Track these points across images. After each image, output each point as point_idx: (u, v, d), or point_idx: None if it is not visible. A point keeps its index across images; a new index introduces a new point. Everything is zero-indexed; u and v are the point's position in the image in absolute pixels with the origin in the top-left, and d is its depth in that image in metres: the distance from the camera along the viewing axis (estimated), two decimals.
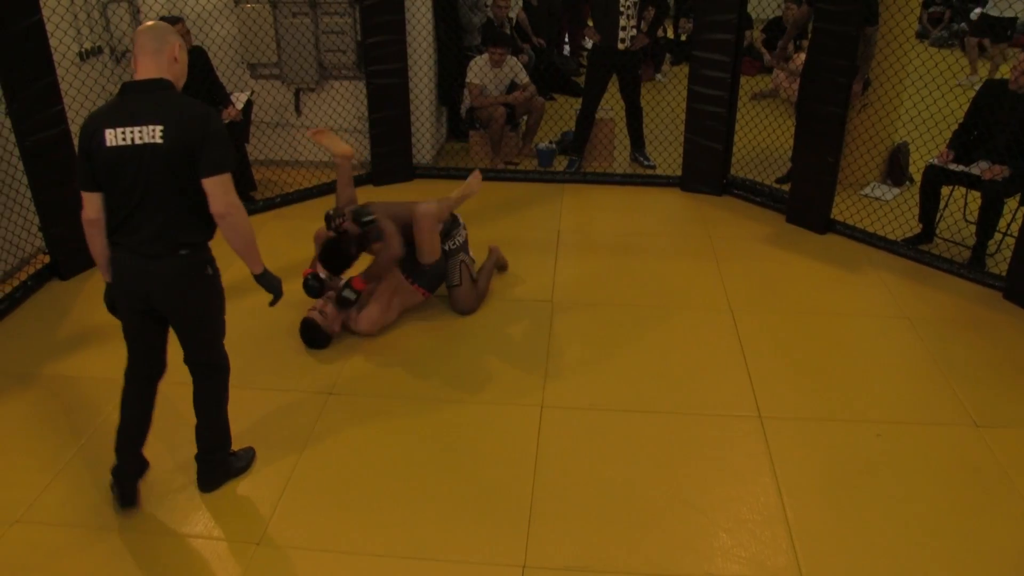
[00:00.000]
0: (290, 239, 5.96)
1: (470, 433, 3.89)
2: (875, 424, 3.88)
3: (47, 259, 5.45)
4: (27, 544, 3.28)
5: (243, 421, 3.95)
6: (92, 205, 3.08)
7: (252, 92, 6.83)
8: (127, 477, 3.38)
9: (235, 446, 3.63)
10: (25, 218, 5.47)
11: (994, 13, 10.07)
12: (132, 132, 2.95)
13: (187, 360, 3.40)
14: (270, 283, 3.34)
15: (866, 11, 5.71)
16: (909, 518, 3.32)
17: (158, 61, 3.02)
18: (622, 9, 6.66)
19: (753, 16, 8.47)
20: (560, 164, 7.35)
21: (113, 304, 3.32)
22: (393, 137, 6.92)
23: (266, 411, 4.05)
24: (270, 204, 6.61)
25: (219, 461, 3.55)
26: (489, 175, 7.12)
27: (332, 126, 7.22)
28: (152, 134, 2.95)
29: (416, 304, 4.88)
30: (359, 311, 4.67)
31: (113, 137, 2.95)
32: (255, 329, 4.68)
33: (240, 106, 6.49)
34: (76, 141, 3.07)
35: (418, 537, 3.27)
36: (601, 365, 4.39)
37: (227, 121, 6.35)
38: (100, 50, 6.38)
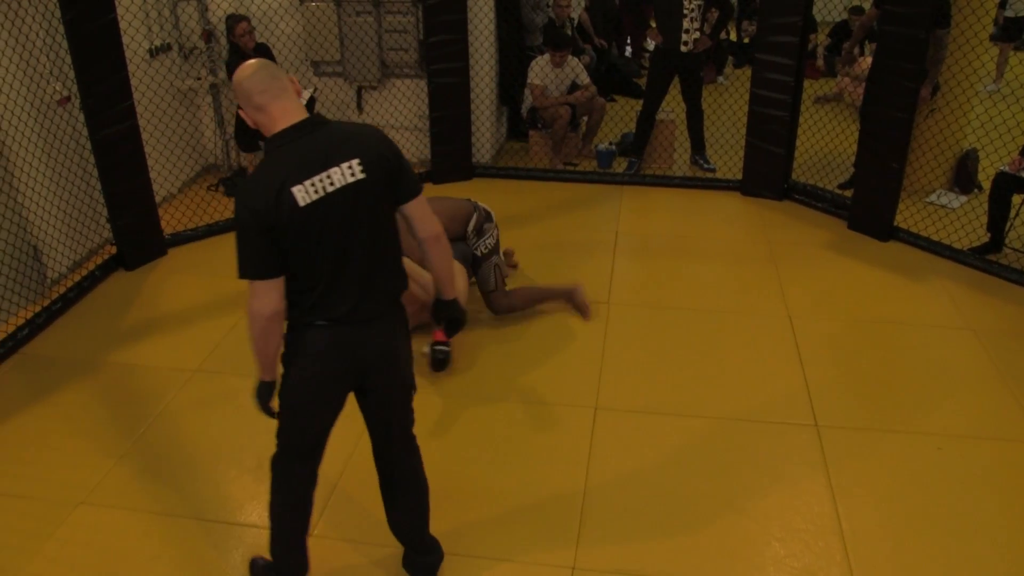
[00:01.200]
0: None
1: (523, 433, 3.90)
2: (936, 437, 3.80)
3: (114, 250, 5.60)
4: (90, 525, 3.39)
5: None
6: (275, 294, 2.48)
7: (315, 89, 6.92)
8: None
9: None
10: (94, 209, 5.64)
11: (1009, 14, 9.83)
12: (325, 179, 2.45)
13: (391, 449, 2.96)
14: (460, 310, 2.97)
15: (937, 13, 5.57)
16: (968, 535, 3.24)
17: (290, 96, 2.55)
18: (685, 11, 6.61)
19: (818, 19, 8.34)
20: (620, 166, 7.32)
21: (269, 404, 2.75)
22: (453, 136, 6.96)
23: None
24: None
25: (436, 564, 3.11)
26: (549, 175, 7.14)
27: (393, 124, 7.29)
28: (352, 171, 2.49)
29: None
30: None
31: (305, 194, 2.42)
32: None
33: (303, 103, 6.57)
34: (245, 222, 2.43)
35: (468, 535, 3.29)
36: (656, 369, 4.37)
37: None
38: (169, 47, 6.53)
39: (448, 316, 2.96)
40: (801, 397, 4.10)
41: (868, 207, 5.86)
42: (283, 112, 2.51)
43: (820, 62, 10.54)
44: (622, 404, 4.08)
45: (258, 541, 3.28)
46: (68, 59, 5.06)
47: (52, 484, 3.62)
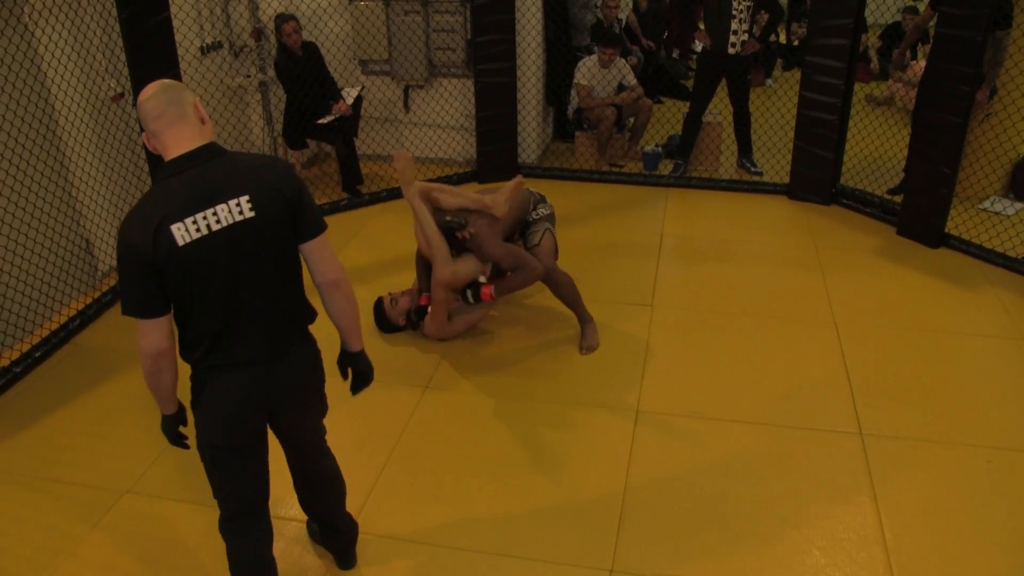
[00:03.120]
0: (395, 233, 6.08)
1: (564, 435, 3.89)
2: (986, 449, 3.72)
3: None
4: (136, 514, 3.45)
5: (339, 411, 4.04)
6: (159, 332, 2.37)
7: (363, 88, 6.98)
8: None
9: (330, 433, 3.29)
10: None
11: None
12: (211, 216, 2.30)
13: (306, 467, 2.94)
14: (366, 365, 2.82)
15: (998, 14, 5.45)
16: (1019, 552, 3.17)
17: (189, 123, 2.37)
18: (734, 13, 6.55)
19: (870, 21, 8.22)
20: (665, 168, 7.28)
21: (179, 435, 2.68)
22: (499, 136, 6.97)
23: (362, 401, 4.12)
24: (376, 198, 6.74)
25: (355, 536, 3.18)
26: (594, 176, 7.12)
27: (439, 123, 7.32)
28: (240, 210, 2.33)
29: (488, 308, 4.75)
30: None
31: (185, 233, 2.27)
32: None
33: (350, 101, 6.64)
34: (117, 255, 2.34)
35: (507, 534, 3.30)
36: (699, 373, 4.34)
37: (337, 115, 6.51)
38: (220, 45, 6.62)
39: (353, 369, 2.81)
40: (846, 405, 4.04)
41: (918, 213, 5.76)
42: (177, 140, 2.35)
43: (874, 64, 10.36)
44: (664, 408, 4.05)
45: (297, 534, 3.32)
46: (123, 56, 5.16)
47: (100, 472, 3.69)
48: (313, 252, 2.52)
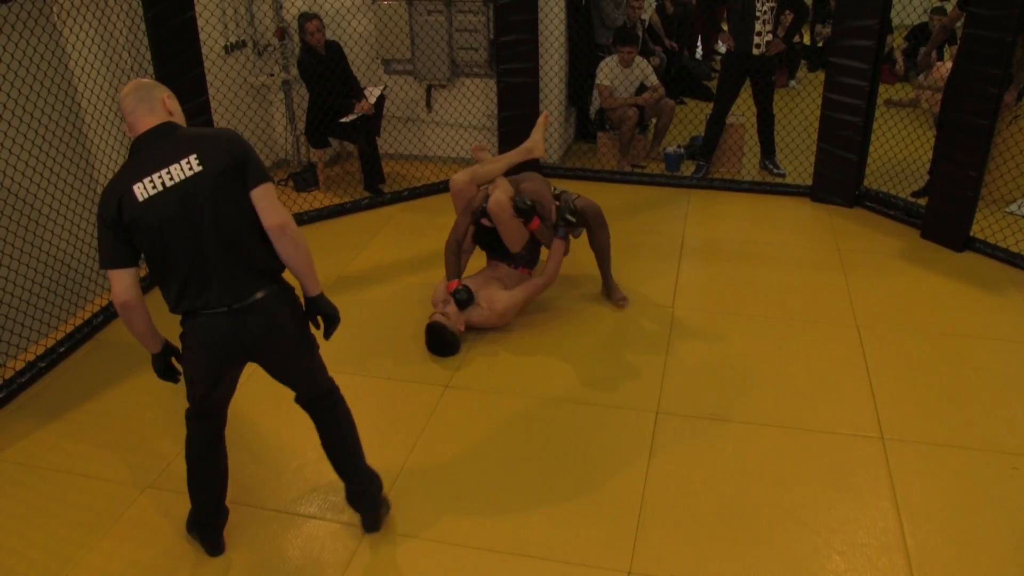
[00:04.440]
0: (416, 232, 6.10)
1: (583, 434, 3.89)
2: (1011, 456, 3.68)
3: None
4: (157, 508, 3.48)
5: (359, 408, 4.05)
6: (124, 283, 2.76)
7: (385, 87, 7.00)
8: (217, 528, 3.22)
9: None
10: None
11: None
12: (165, 175, 2.68)
13: (304, 399, 3.16)
14: (328, 307, 3.01)
15: None
16: None
17: (156, 115, 2.79)
18: (758, 14, 6.52)
19: (896, 22, 8.15)
20: (688, 169, 7.26)
21: (165, 371, 3.04)
22: (522, 136, 6.91)
23: (382, 399, 4.15)
24: (397, 197, 6.76)
25: (377, 493, 3.26)
26: (616, 177, 7.11)
27: (462, 123, 7.34)
28: (189, 166, 2.70)
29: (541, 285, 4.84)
30: (484, 305, 4.63)
31: (143, 190, 2.67)
32: (374, 320, 4.80)
33: (373, 100, 6.66)
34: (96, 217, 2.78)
35: (525, 534, 3.30)
36: (720, 375, 4.32)
37: (360, 114, 6.53)
38: (244, 44, 6.67)
39: (319, 313, 3.00)
40: (867, 409, 4.02)
41: (943, 216, 5.71)
42: (143, 123, 2.78)
43: (899, 66, 10.28)
44: (684, 409, 4.04)
45: (317, 532, 3.33)
46: (148, 55, 5.20)
47: (122, 467, 3.73)
48: (259, 200, 2.78)
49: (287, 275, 2.94)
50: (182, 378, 3.03)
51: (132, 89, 2.81)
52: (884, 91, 8.90)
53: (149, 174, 2.68)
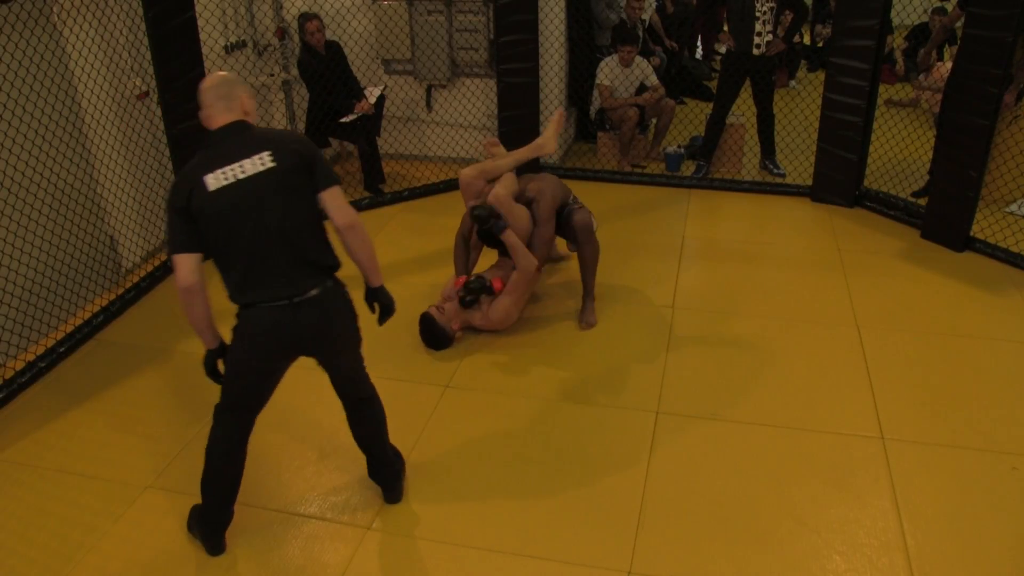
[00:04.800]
0: (416, 232, 6.10)
1: (584, 435, 3.89)
2: (1011, 456, 3.68)
3: None
4: (157, 508, 3.48)
5: None
6: (189, 268, 2.83)
7: (385, 87, 7.00)
8: (222, 527, 3.24)
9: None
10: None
11: None
12: (237, 168, 2.80)
13: (348, 393, 3.28)
14: (387, 298, 3.19)
15: None
16: None
17: (233, 113, 2.92)
18: (758, 14, 6.51)
19: (896, 22, 8.15)
20: (688, 169, 7.25)
21: (215, 371, 3.06)
22: (522, 136, 6.94)
23: (385, 398, 4.11)
24: (398, 197, 6.76)
25: (402, 469, 3.56)
26: (616, 177, 7.11)
27: (462, 123, 7.34)
28: (261, 161, 2.82)
29: (535, 283, 4.85)
30: (487, 306, 4.64)
31: (216, 181, 2.78)
32: (374, 319, 4.79)
33: (373, 100, 6.66)
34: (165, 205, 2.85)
35: (526, 534, 3.30)
36: (720, 375, 4.32)
37: (360, 114, 6.53)
38: (244, 44, 6.66)
39: (377, 302, 3.18)
40: (868, 409, 4.02)
41: (943, 216, 5.71)
42: (219, 119, 2.91)
43: (900, 66, 10.26)
44: (684, 409, 4.04)
45: (317, 532, 3.33)
46: (148, 55, 5.20)
47: (122, 467, 3.73)
48: (328, 201, 2.91)
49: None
50: (206, 371, 3.08)
51: (214, 84, 2.92)
52: (884, 91, 8.89)
53: (222, 166, 2.79)
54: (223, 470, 3.16)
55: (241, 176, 2.79)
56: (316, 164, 2.91)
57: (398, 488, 3.49)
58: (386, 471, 3.45)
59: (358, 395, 3.30)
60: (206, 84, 2.94)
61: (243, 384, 3.04)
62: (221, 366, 3.05)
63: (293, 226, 2.86)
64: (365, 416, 3.34)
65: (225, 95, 2.91)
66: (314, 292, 2.91)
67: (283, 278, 2.86)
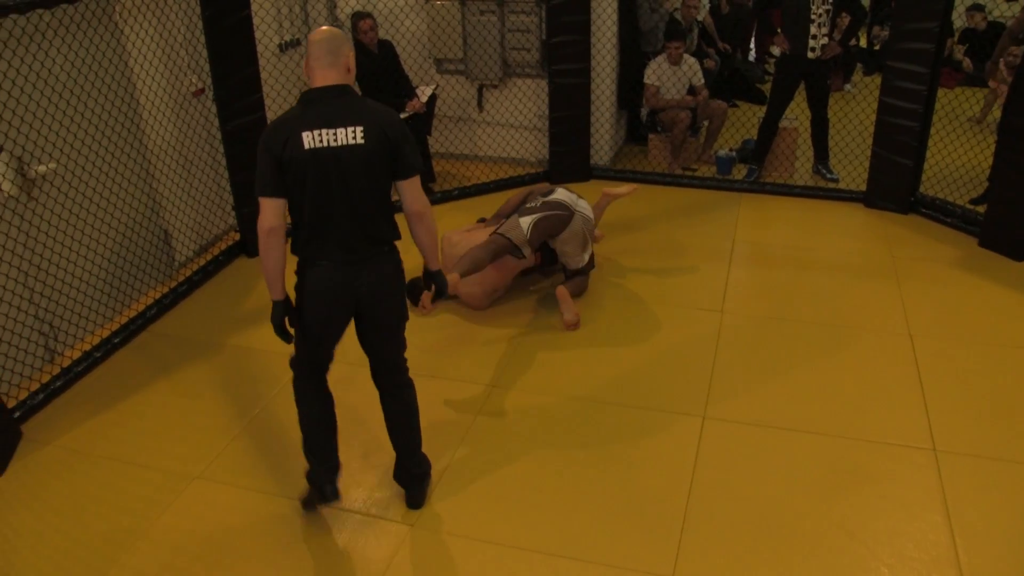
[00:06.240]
0: None
1: (630, 438, 3.87)
2: None
3: (237, 236, 5.83)
4: (204, 499, 3.54)
5: None
6: (275, 212, 2.99)
7: (437, 86, 7.03)
8: (331, 473, 3.40)
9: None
10: (221, 197, 5.87)
11: None
12: (331, 134, 2.94)
13: (383, 371, 3.37)
14: (441, 279, 3.43)
15: None
16: None
17: (337, 69, 3.01)
18: (813, 17, 6.43)
19: (955, 25, 7.96)
20: (739, 172, 7.18)
21: (283, 325, 3.16)
22: (572, 136, 6.96)
23: (430, 397, 4.17)
24: (447, 196, 6.79)
25: (426, 474, 3.56)
26: (666, 179, 7.06)
27: (512, 123, 7.34)
28: (354, 135, 2.96)
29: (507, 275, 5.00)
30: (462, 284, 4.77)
31: (311, 140, 2.93)
32: (422, 318, 4.83)
33: (424, 99, 6.69)
34: (260, 147, 2.98)
35: (569, 536, 3.29)
36: (768, 381, 4.27)
37: (411, 113, 6.57)
38: (298, 42, 6.74)
39: (433, 283, 3.45)
40: (919, 419, 3.94)
41: (1002, 224, 5.58)
42: (323, 76, 3.00)
43: (967, 64, 9.86)
44: (731, 415, 4.00)
45: (361, 527, 3.36)
46: (204, 53, 5.29)
47: (172, 457, 3.80)
48: (404, 188, 3.12)
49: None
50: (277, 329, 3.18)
51: (323, 39, 3.01)
52: (944, 95, 8.69)
53: (319, 128, 2.94)
54: (314, 416, 3.36)
55: (333, 144, 2.95)
56: (400, 152, 3.04)
57: (419, 494, 3.51)
58: (411, 474, 3.50)
59: (394, 382, 3.40)
60: (315, 37, 3.03)
61: (312, 334, 3.20)
62: (288, 325, 3.17)
63: (364, 202, 3.04)
64: (398, 404, 3.42)
65: (333, 50, 3.00)
66: (372, 256, 3.12)
67: (345, 244, 3.06)
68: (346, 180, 2.99)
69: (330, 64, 3.00)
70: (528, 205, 4.86)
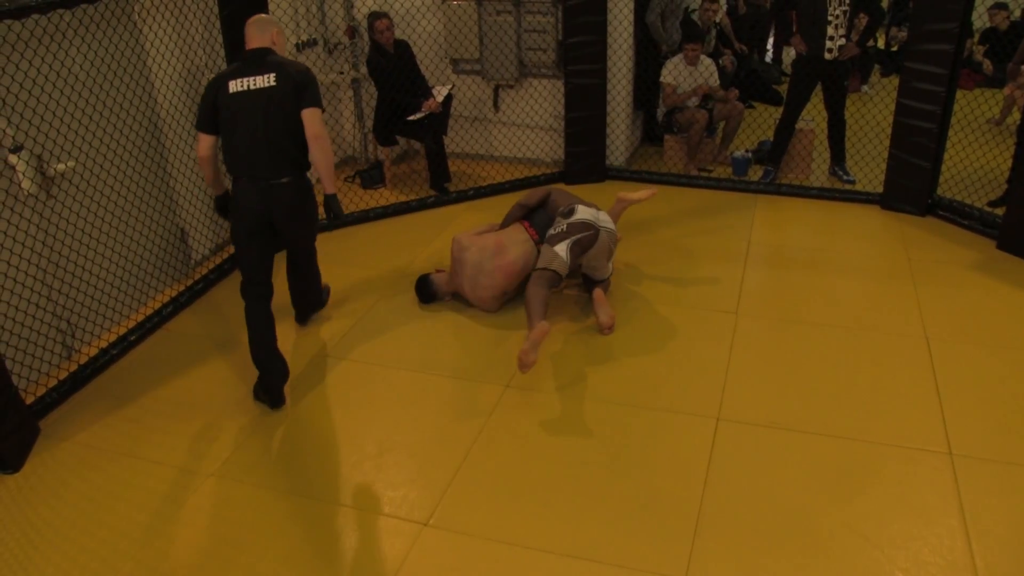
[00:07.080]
0: None
1: (643, 439, 3.86)
2: None
3: None
4: (220, 497, 3.56)
5: (423, 403, 4.10)
6: (207, 144, 4.06)
7: (453, 86, 7.04)
8: (278, 378, 4.09)
9: (411, 429, 3.77)
10: None
11: None
12: (250, 80, 3.91)
13: (294, 259, 4.51)
14: (338, 204, 4.18)
15: None
16: None
17: (262, 39, 4.03)
18: (830, 18, 6.40)
19: (974, 25, 7.89)
20: (755, 174, 7.16)
21: (224, 208, 4.27)
22: (588, 137, 6.96)
23: (445, 396, 4.18)
24: (463, 196, 6.80)
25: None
26: (682, 180, 7.05)
27: (528, 123, 7.35)
28: (267, 80, 3.92)
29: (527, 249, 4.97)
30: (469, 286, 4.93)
31: (235, 85, 3.92)
32: (436, 318, 4.84)
33: (440, 99, 6.70)
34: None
35: (582, 537, 3.29)
36: (783, 382, 4.25)
37: (427, 113, 6.58)
38: (315, 42, 6.77)
39: (330, 207, 4.17)
40: (935, 423, 3.92)
41: (1021, 227, 5.53)
42: (253, 43, 4.04)
43: (987, 66, 9.80)
44: (745, 417, 3.99)
45: (375, 526, 3.37)
46: (222, 52, 5.32)
47: (187, 454, 3.82)
48: (306, 116, 3.96)
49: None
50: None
51: (255, 20, 4.08)
52: (962, 97, 8.64)
53: (242, 77, 3.94)
54: (260, 329, 4.10)
55: (252, 87, 3.92)
56: (306, 90, 3.95)
57: (306, 317, 4.85)
58: (302, 306, 4.78)
59: (304, 259, 4.52)
60: (250, 20, 4.07)
61: (245, 252, 4.08)
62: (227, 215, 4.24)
63: (276, 131, 3.93)
64: (304, 271, 4.59)
65: (261, 27, 4.06)
66: (286, 179, 4.01)
67: (264, 164, 3.94)
68: (261, 116, 3.89)
69: (258, 36, 4.04)
70: (555, 231, 4.76)
